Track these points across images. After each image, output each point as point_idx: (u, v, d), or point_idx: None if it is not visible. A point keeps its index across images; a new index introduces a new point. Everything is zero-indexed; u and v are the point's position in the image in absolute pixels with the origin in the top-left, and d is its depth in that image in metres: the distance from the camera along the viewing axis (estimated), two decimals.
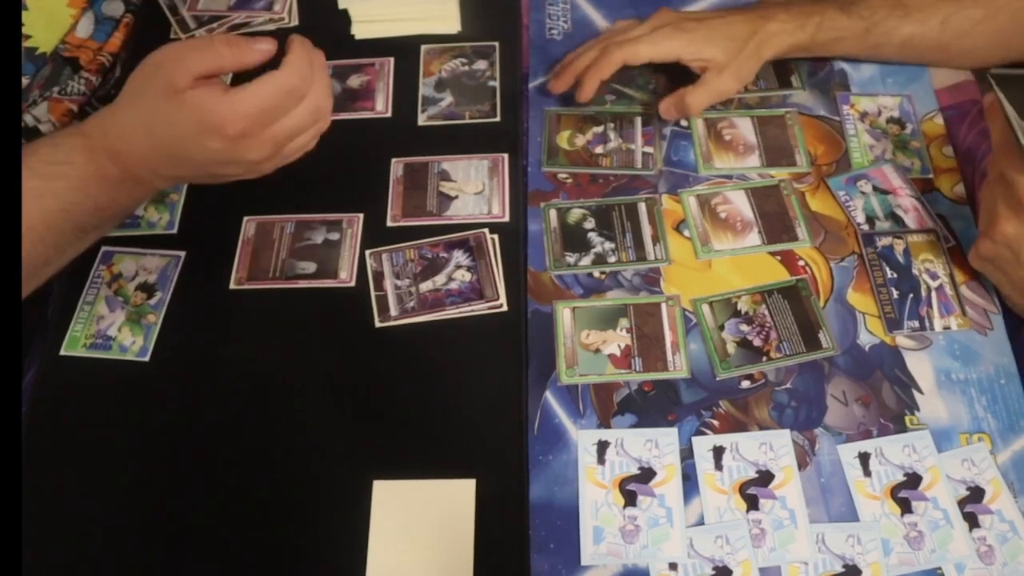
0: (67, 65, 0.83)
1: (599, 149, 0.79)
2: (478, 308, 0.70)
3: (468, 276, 0.71)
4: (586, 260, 0.73)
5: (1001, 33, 0.75)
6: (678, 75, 0.82)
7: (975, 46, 0.76)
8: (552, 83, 0.80)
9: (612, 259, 0.73)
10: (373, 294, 0.70)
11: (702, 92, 0.76)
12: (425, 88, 0.83)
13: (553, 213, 0.75)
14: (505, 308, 0.70)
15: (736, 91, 0.78)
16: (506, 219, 0.74)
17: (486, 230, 0.73)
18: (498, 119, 0.81)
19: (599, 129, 0.80)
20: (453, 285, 0.71)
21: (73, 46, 0.84)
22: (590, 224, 0.75)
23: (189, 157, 0.60)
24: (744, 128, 0.80)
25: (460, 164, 0.78)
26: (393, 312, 0.70)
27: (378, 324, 0.69)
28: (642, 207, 0.75)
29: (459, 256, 0.72)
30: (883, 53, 0.79)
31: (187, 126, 0.58)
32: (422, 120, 0.81)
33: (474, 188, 0.76)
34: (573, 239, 0.74)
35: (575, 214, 0.75)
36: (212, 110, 0.58)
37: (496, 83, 0.83)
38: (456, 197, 0.76)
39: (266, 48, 0.59)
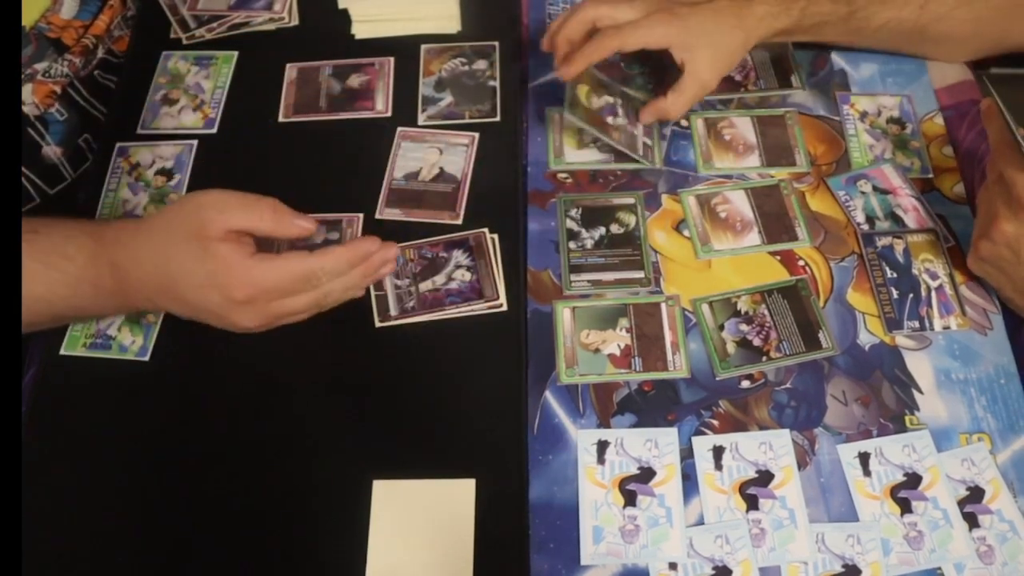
0: (51, 46, 0.83)
1: (610, 119, 0.79)
2: (478, 308, 0.70)
3: (468, 276, 0.71)
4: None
5: (977, 21, 0.76)
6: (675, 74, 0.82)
7: (951, 31, 0.77)
8: (545, 42, 0.78)
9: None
10: (373, 294, 0.70)
11: (682, 99, 0.75)
12: (425, 88, 0.83)
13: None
14: (505, 308, 0.70)
15: (714, 84, 0.76)
16: (476, 135, 0.75)
17: (486, 230, 0.73)
18: (498, 119, 0.81)
19: (611, 99, 0.80)
20: (453, 285, 0.71)
21: (57, 27, 0.84)
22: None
23: (186, 299, 0.62)
24: (744, 128, 0.80)
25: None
26: (393, 312, 0.69)
27: (378, 324, 0.69)
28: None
29: (459, 256, 0.72)
30: (861, 37, 0.80)
31: (199, 274, 0.60)
32: (422, 120, 0.81)
33: (433, 155, 0.78)
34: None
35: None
36: (229, 270, 0.60)
37: (496, 83, 0.83)
38: None
39: (307, 227, 0.62)
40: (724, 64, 0.76)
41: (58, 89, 0.84)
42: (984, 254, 0.65)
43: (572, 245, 0.73)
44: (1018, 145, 0.62)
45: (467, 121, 0.81)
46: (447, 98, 0.82)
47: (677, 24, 0.74)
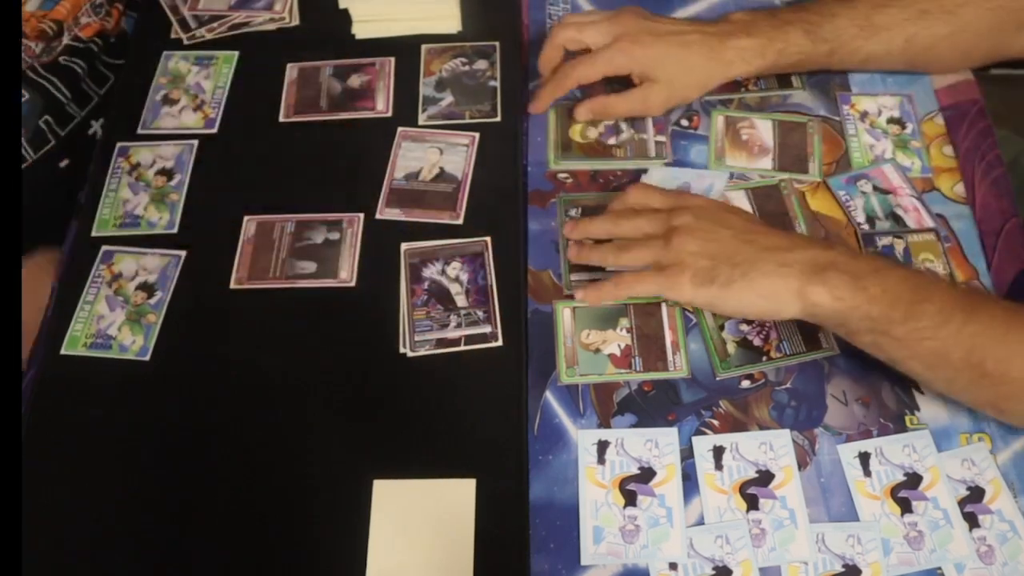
0: None
1: (612, 140, 0.79)
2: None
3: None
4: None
5: (965, 48, 0.76)
6: None
7: (939, 57, 0.77)
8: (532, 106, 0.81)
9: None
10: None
11: (624, 102, 0.77)
12: (425, 88, 0.83)
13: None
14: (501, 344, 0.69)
15: (658, 112, 0.79)
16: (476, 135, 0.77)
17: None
18: (498, 119, 0.81)
19: (610, 121, 0.80)
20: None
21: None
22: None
23: None
24: (763, 130, 0.79)
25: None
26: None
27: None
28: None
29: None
30: (846, 67, 0.80)
31: None
32: (422, 120, 0.81)
33: (434, 155, 0.78)
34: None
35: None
36: None
37: (496, 83, 0.83)
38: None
39: None
40: (679, 97, 0.78)
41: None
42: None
43: None
44: None
45: (467, 121, 0.81)
46: (447, 98, 0.82)
47: (638, 53, 0.75)
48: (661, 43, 0.75)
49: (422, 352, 0.68)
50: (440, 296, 0.71)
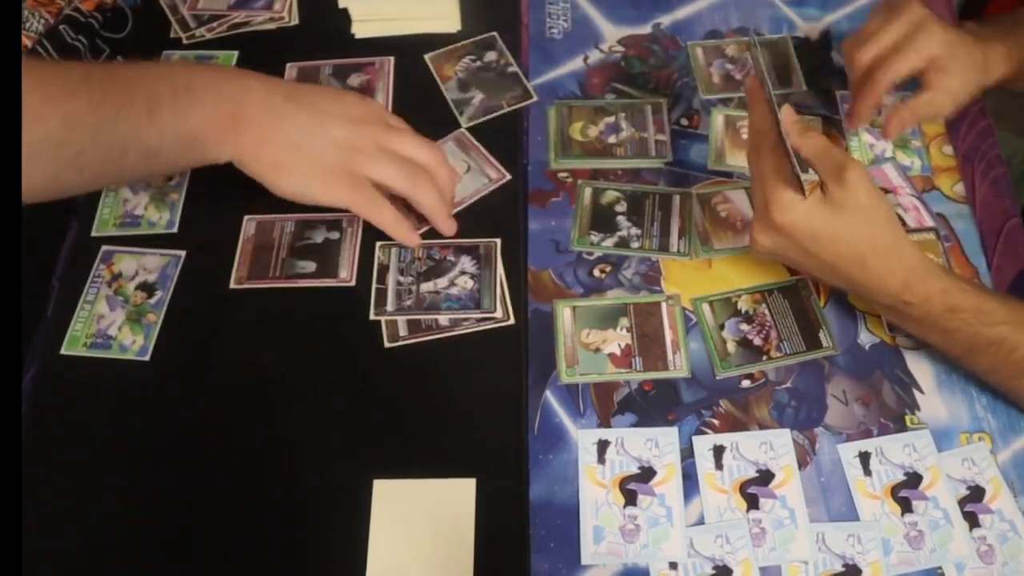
0: None
1: (612, 139, 0.79)
2: (472, 316, 0.69)
3: (470, 284, 0.71)
4: (609, 242, 0.73)
5: None
6: (677, 75, 0.83)
7: None
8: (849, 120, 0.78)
9: (635, 244, 0.73)
10: (374, 286, 0.70)
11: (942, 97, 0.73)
12: (449, 92, 0.82)
13: (588, 191, 0.76)
14: (499, 316, 0.69)
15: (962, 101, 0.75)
16: (508, 177, 0.77)
17: (498, 240, 0.73)
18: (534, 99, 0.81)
19: (610, 119, 0.80)
20: (453, 290, 0.70)
21: None
22: (622, 208, 0.75)
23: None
24: None
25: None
26: (390, 307, 0.69)
27: (373, 317, 0.69)
28: (676, 199, 0.76)
29: (466, 262, 0.72)
30: None
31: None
32: (464, 123, 0.80)
33: (461, 168, 0.77)
34: (602, 219, 0.74)
35: (609, 195, 0.76)
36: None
37: (515, 67, 0.83)
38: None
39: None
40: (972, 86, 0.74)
41: (29, 43, 0.83)
42: (758, 258, 0.66)
43: None
44: (784, 145, 0.60)
45: (507, 110, 0.80)
46: (477, 95, 0.82)
47: (938, 40, 0.71)
48: (948, 30, 0.72)
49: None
50: (435, 269, 0.71)
